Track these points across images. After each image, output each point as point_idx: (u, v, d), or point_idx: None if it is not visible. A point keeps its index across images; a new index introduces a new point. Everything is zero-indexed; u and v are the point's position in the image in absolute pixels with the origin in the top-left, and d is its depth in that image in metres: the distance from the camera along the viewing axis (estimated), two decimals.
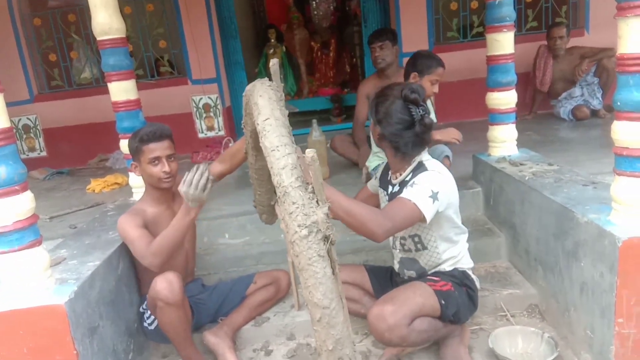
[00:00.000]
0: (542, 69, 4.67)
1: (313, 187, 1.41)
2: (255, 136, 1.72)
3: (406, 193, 1.84)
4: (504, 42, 2.79)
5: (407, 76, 2.72)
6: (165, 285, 1.98)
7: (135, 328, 2.23)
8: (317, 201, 1.39)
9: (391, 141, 1.93)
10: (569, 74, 4.57)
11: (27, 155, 5.17)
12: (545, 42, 4.64)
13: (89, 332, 1.81)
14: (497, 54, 2.82)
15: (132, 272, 2.28)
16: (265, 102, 1.57)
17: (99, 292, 1.94)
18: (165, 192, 2.25)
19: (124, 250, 2.23)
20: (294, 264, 1.40)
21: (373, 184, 2.25)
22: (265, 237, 2.89)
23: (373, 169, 3.00)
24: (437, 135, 2.61)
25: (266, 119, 1.52)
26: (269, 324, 2.36)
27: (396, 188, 1.99)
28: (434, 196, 1.82)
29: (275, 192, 1.48)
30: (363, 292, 2.27)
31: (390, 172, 2.08)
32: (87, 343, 1.78)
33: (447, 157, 2.78)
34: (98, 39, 2.69)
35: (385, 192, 2.10)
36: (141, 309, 2.25)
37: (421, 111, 1.88)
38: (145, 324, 2.23)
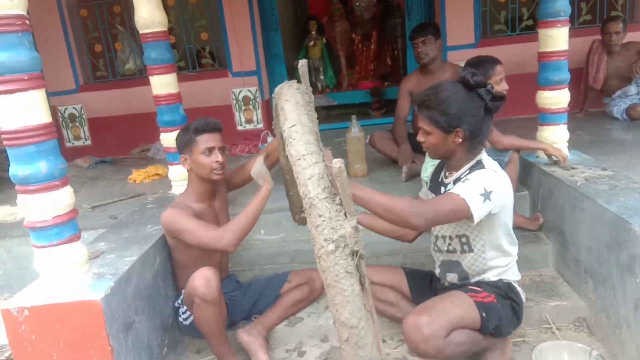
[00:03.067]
0: (596, 65, 4.42)
1: (341, 199, 1.35)
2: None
3: (457, 188, 1.75)
4: (557, 38, 2.64)
5: None
6: (203, 282, 1.98)
7: (170, 323, 2.24)
8: (345, 214, 1.33)
9: (474, 134, 1.80)
10: (625, 70, 4.31)
11: (73, 143, 5.31)
12: (599, 37, 4.38)
13: (124, 327, 1.82)
14: (550, 51, 2.67)
15: (169, 267, 2.28)
16: (292, 107, 1.51)
17: (135, 287, 1.94)
18: (210, 187, 2.26)
19: (161, 244, 2.24)
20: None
21: (425, 192, 2.14)
22: (300, 235, 2.85)
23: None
24: (550, 149, 2.65)
25: (292, 126, 1.46)
26: (302, 325, 2.33)
27: (450, 187, 1.87)
28: (486, 195, 1.72)
29: None
30: (400, 295, 2.20)
31: (442, 172, 1.98)
32: (121, 338, 1.79)
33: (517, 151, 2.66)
34: (140, 32, 2.70)
35: (437, 194, 2.00)
36: (176, 304, 2.26)
37: (485, 90, 1.78)
38: (180, 319, 2.23)
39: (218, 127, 2.23)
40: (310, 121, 1.51)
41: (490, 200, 1.73)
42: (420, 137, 1.89)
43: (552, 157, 2.66)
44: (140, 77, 5.11)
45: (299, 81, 1.66)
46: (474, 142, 1.83)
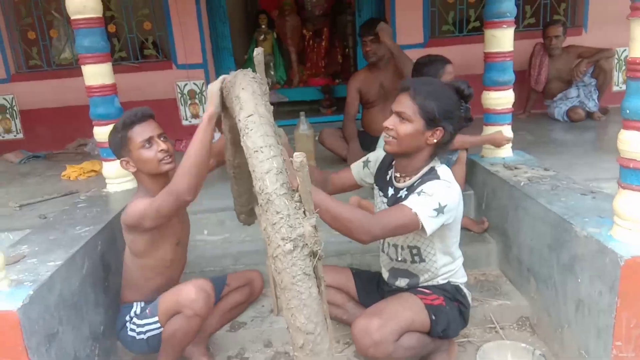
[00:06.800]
0: (538, 68, 4.55)
1: (300, 195, 1.27)
2: (234, 131, 1.57)
3: (410, 201, 1.68)
4: (502, 39, 2.66)
5: None
6: (204, 295, 1.89)
7: (102, 331, 2.08)
8: (304, 211, 1.25)
9: (446, 140, 1.78)
10: (565, 73, 4.45)
11: (3, 137, 4.95)
12: (541, 40, 4.51)
13: (45, 339, 1.66)
14: (495, 51, 2.69)
15: (99, 272, 2.12)
16: (249, 95, 1.42)
17: (59, 295, 1.78)
18: (163, 181, 1.98)
19: (91, 247, 2.07)
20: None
21: (359, 171, 2.04)
22: (245, 235, 2.75)
23: None
24: (497, 136, 2.68)
25: (249, 116, 1.37)
26: (245, 330, 2.23)
27: (402, 193, 1.81)
28: (440, 209, 1.67)
29: (255, 192, 1.34)
30: (347, 297, 2.15)
31: (392, 172, 1.91)
32: (43, 351, 1.64)
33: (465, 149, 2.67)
34: (72, 17, 2.53)
35: (384, 194, 1.93)
36: (127, 318, 2.04)
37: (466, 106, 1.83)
38: (133, 334, 2.01)
39: (147, 113, 1.97)
40: (267, 112, 1.42)
41: (443, 214, 1.69)
42: (391, 123, 1.74)
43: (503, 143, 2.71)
44: (77, 67, 4.80)
45: (253, 71, 1.57)
46: (440, 149, 1.81)
